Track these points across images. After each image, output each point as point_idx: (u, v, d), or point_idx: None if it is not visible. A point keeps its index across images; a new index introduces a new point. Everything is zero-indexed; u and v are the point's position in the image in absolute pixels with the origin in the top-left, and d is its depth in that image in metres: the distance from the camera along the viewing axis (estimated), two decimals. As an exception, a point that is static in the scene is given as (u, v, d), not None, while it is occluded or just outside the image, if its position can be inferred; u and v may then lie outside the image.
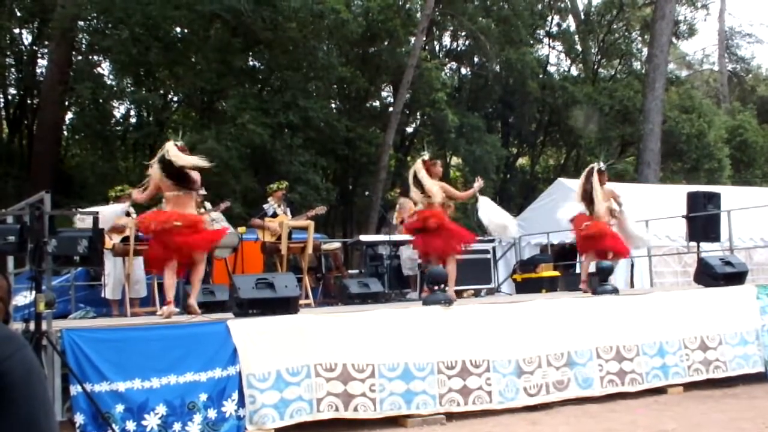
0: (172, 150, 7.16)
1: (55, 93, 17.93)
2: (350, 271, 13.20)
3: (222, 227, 8.97)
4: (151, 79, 18.91)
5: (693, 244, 10.69)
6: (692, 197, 10.51)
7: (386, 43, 20.63)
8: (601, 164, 9.84)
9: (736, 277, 8.99)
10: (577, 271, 13.52)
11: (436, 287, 7.49)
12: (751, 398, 7.53)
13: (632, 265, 12.53)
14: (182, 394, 5.84)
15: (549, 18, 27.71)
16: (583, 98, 24.23)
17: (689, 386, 7.91)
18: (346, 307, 8.73)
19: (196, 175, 7.32)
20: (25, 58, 20.12)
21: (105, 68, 19.71)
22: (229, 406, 5.95)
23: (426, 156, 8.89)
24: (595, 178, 9.53)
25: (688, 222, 10.38)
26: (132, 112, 20.60)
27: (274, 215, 10.60)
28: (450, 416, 6.68)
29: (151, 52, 17.07)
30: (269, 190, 10.95)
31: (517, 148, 27.64)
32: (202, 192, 8.65)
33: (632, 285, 12.37)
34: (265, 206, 10.75)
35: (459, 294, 10.54)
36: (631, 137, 24.79)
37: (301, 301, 8.35)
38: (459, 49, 25.38)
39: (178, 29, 18.38)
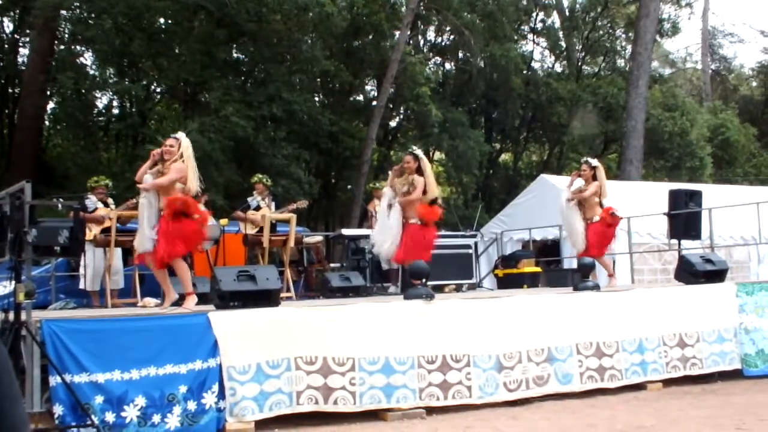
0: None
1: (37, 82, 17.75)
2: (332, 265, 13.19)
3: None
4: (134, 69, 18.80)
5: (674, 241, 10.75)
6: (674, 195, 10.56)
7: (370, 37, 20.60)
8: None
9: (716, 275, 9.03)
10: (559, 267, 13.65)
11: (417, 282, 7.50)
12: (729, 395, 7.59)
13: (613, 262, 12.60)
14: (162, 385, 5.80)
15: (533, 14, 27.75)
16: (566, 95, 24.33)
17: (668, 382, 7.96)
18: (328, 300, 8.73)
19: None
20: (6, 46, 19.92)
21: (88, 58, 19.60)
22: (209, 398, 5.93)
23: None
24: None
25: (670, 219, 10.43)
26: (115, 103, 20.44)
27: (257, 208, 10.59)
28: (430, 410, 6.68)
29: (134, 43, 16.98)
30: (254, 183, 10.98)
31: (500, 143, 27.68)
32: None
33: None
34: (249, 199, 10.74)
35: (440, 289, 10.58)
36: (614, 134, 24.91)
37: (283, 294, 8.34)
38: (443, 44, 25.38)
39: (162, 20, 18.28)
